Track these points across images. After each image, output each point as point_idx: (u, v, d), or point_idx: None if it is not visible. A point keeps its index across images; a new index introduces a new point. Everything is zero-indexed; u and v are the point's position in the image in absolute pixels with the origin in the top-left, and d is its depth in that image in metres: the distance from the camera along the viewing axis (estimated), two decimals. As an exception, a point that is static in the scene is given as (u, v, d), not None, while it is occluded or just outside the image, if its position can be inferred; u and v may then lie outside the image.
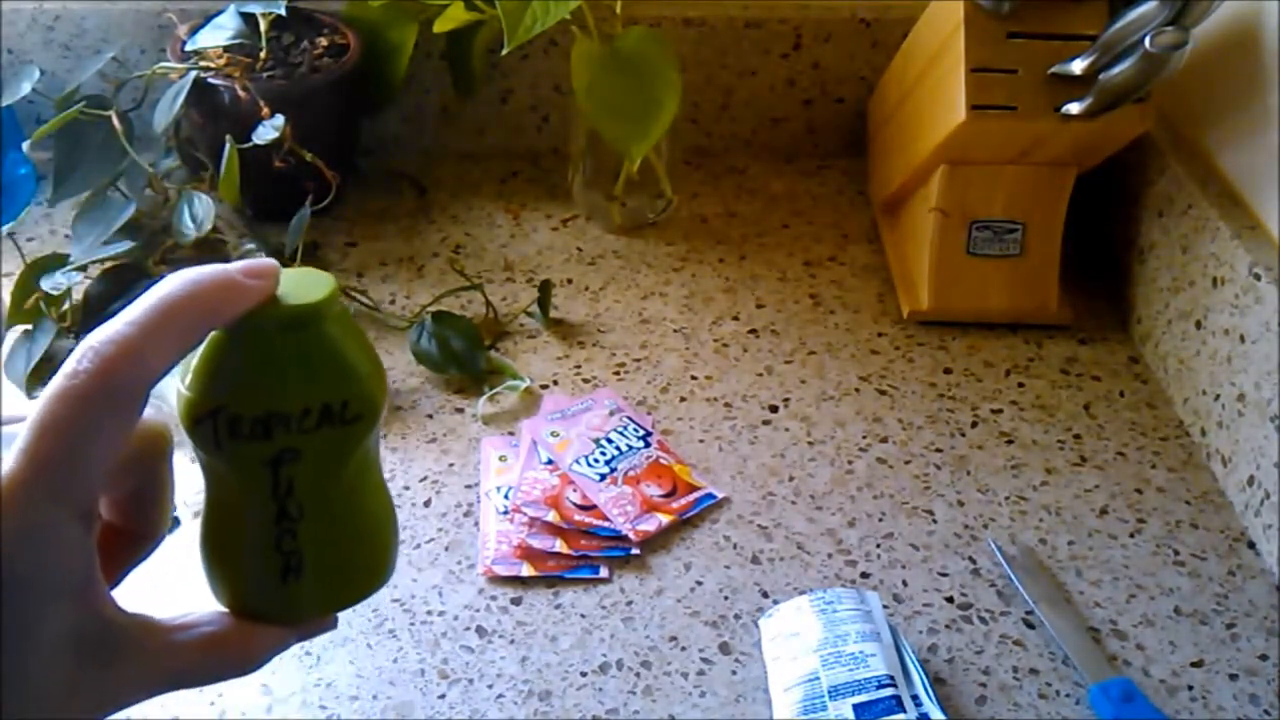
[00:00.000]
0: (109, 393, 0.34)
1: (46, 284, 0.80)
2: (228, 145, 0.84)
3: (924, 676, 0.61)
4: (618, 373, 0.84)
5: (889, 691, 0.60)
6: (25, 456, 0.33)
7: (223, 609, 0.40)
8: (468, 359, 0.82)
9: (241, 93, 0.86)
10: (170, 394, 0.38)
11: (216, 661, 0.39)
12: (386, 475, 0.74)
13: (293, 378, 0.37)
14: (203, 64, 0.88)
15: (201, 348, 0.37)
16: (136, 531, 0.40)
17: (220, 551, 0.40)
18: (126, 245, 0.83)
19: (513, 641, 0.65)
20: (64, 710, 0.35)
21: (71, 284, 0.81)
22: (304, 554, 0.39)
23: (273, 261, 0.37)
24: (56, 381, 0.34)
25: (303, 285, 0.37)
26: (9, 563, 0.32)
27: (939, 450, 0.79)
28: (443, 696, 0.62)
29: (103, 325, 0.35)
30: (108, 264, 0.84)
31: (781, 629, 0.64)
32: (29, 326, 0.81)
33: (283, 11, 0.89)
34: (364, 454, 0.40)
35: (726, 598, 0.68)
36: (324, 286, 0.37)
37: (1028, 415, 0.82)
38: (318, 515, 0.39)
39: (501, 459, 0.76)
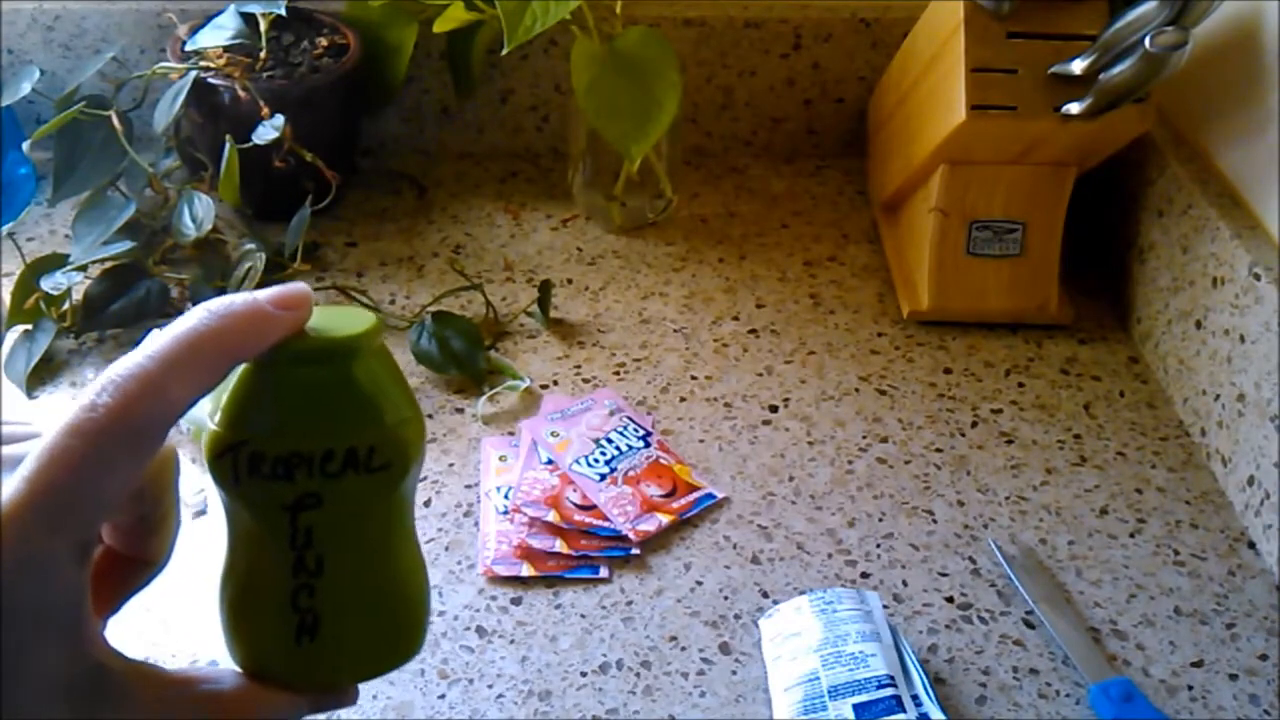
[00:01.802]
0: (127, 431, 0.33)
1: (46, 284, 0.80)
2: (228, 145, 0.84)
3: (924, 676, 0.61)
4: (618, 373, 0.84)
5: (889, 691, 0.60)
6: (29, 485, 0.32)
7: (235, 668, 0.38)
8: (468, 359, 0.82)
9: (241, 93, 0.86)
10: (200, 420, 0.37)
11: None
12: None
13: (317, 416, 0.35)
14: (203, 64, 0.88)
15: (232, 378, 0.35)
16: (138, 558, 0.39)
17: (235, 605, 0.38)
18: (126, 245, 0.83)
19: (513, 641, 0.65)
20: None
21: (71, 284, 0.81)
22: (321, 614, 0.37)
23: (303, 288, 0.36)
24: (73, 413, 0.32)
25: (341, 320, 0.36)
26: (5, 591, 0.31)
27: (939, 450, 0.79)
28: (443, 696, 0.62)
29: (125, 356, 0.33)
30: (108, 264, 0.84)
31: (781, 629, 0.64)
32: (29, 326, 0.81)
33: (283, 11, 0.89)
34: (392, 508, 0.37)
35: (726, 598, 0.68)
36: (362, 323, 0.36)
37: (1028, 415, 0.82)
38: (338, 571, 0.36)
39: (501, 459, 0.76)
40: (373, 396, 0.36)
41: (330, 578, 0.36)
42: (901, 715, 0.59)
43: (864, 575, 0.70)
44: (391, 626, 0.39)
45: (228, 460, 0.35)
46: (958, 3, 0.81)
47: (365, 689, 0.62)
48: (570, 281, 0.92)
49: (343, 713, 0.61)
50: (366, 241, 0.95)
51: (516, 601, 0.68)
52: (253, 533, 0.36)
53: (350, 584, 0.37)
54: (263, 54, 0.90)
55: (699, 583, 0.69)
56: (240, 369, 0.35)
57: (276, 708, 0.37)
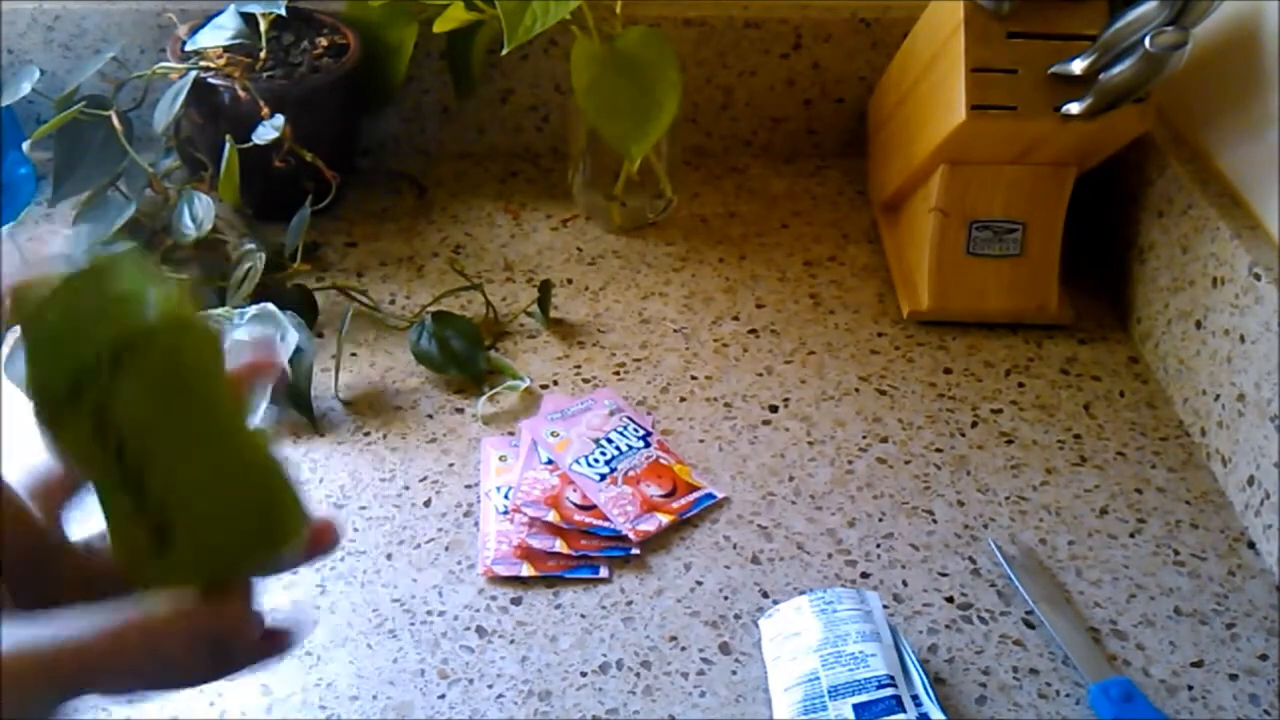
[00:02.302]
0: None
1: (46, 284, 0.80)
2: (228, 145, 0.84)
3: (924, 676, 0.61)
4: (618, 373, 0.84)
5: (889, 691, 0.60)
6: None
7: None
8: (468, 359, 0.82)
9: (241, 93, 0.86)
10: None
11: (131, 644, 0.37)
12: (387, 475, 0.75)
13: (76, 333, 0.37)
14: (203, 64, 0.88)
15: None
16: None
17: (115, 557, 0.39)
18: (126, 245, 0.83)
19: (513, 641, 0.65)
20: None
21: (71, 284, 0.81)
22: (165, 512, 0.37)
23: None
24: None
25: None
26: None
27: (939, 450, 0.79)
28: (443, 696, 0.62)
29: None
30: (108, 264, 0.84)
31: (781, 629, 0.64)
32: (29, 326, 0.81)
33: (283, 11, 0.89)
34: (189, 387, 0.38)
35: (726, 598, 0.68)
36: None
37: (1028, 415, 0.82)
38: (160, 466, 0.37)
39: (501, 459, 0.76)
40: (117, 301, 0.37)
41: (155, 474, 0.37)
42: (901, 715, 0.59)
43: (864, 575, 0.70)
44: (243, 511, 0.39)
45: (40, 417, 0.37)
46: (958, 3, 0.81)
47: (365, 688, 0.62)
48: (570, 281, 0.92)
49: (344, 713, 0.61)
50: (366, 241, 0.95)
51: (516, 601, 0.68)
52: (88, 472, 0.38)
53: (178, 473, 0.37)
54: (263, 54, 0.90)
55: (699, 583, 0.69)
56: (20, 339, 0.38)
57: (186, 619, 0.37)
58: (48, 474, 0.41)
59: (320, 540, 0.40)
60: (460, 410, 0.80)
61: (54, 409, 0.37)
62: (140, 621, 0.37)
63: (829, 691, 0.60)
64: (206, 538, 0.38)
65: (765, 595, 0.69)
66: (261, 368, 0.42)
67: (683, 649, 0.66)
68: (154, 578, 0.38)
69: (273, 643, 0.40)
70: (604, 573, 0.69)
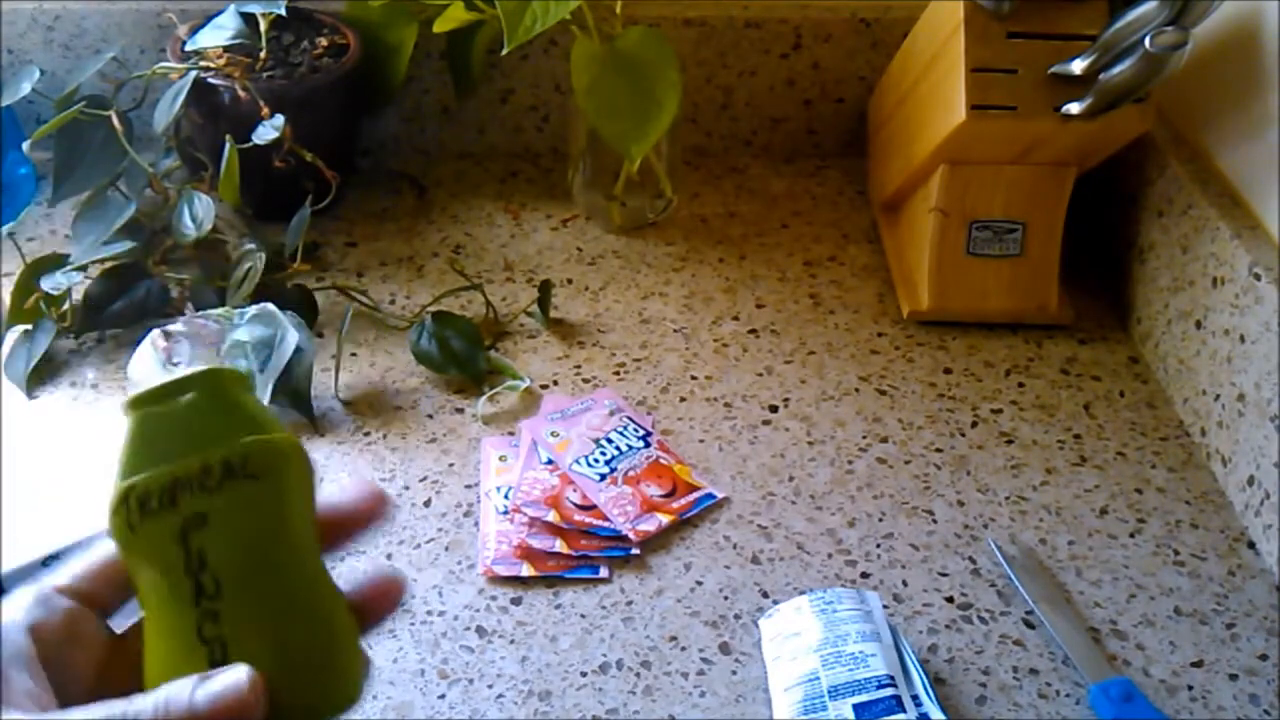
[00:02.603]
0: None
1: (46, 284, 0.80)
2: (228, 145, 0.84)
3: (924, 676, 0.61)
4: (618, 373, 0.84)
5: (889, 691, 0.60)
6: None
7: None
8: (468, 359, 0.82)
9: (241, 93, 0.86)
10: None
11: None
12: (387, 475, 0.75)
13: (187, 439, 0.37)
14: (203, 64, 0.88)
15: (118, 444, 0.38)
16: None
17: (150, 663, 0.37)
18: (126, 245, 0.83)
19: (513, 641, 0.65)
20: None
21: (71, 284, 0.81)
22: (228, 642, 0.36)
23: None
24: None
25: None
26: None
27: (939, 450, 0.79)
28: (443, 696, 0.62)
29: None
30: (108, 264, 0.84)
31: (781, 629, 0.64)
32: (29, 326, 0.81)
33: (283, 11, 0.89)
34: (283, 525, 0.38)
35: (726, 598, 0.68)
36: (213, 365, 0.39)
37: (1028, 415, 0.82)
38: (238, 593, 0.36)
39: (501, 459, 0.76)
40: (238, 413, 0.38)
41: (231, 599, 0.36)
42: (901, 715, 0.59)
43: (864, 575, 0.70)
44: (308, 660, 0.37)
45: (121, 511, 0.36)
46: (958, 3, 0.81)
47: (366, 689, 0.62)
48: (570, 281, 0.92)
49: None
50: (366, 241, 0.95)
51: (516, 601, 0.68)
52: (154, 580, 0.37)
53: (254, 606, 0.37)
54: (263, 54, 0.90)
55: (699, 583, 0.69)
56: (125, 425, 0.38)
57: None
58: (96, 566, 0.40)
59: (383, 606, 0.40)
60: (460, 410, 0.80)
61: (143, 502, 0.36)
62: None
63: (829, 691, 0.60)
64: (266, 683, 0.36)
65: (765, 595, 0.69)
66: (369, 513, 0.41)
67: (683, 649, 0.66)
68: None
69: None
70: (604, 573, 0.69)
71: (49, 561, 0.66)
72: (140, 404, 0.38)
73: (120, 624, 0.41)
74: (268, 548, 0.37)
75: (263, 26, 0.89)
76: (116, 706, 0.35)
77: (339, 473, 0.75)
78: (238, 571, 0.36)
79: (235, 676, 0.35)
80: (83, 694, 0.38)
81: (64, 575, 0.40)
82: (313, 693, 0.37)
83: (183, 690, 0.35)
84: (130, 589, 0.39)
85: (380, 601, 0.41)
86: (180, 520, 0.36)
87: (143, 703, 0.35)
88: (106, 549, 0.40)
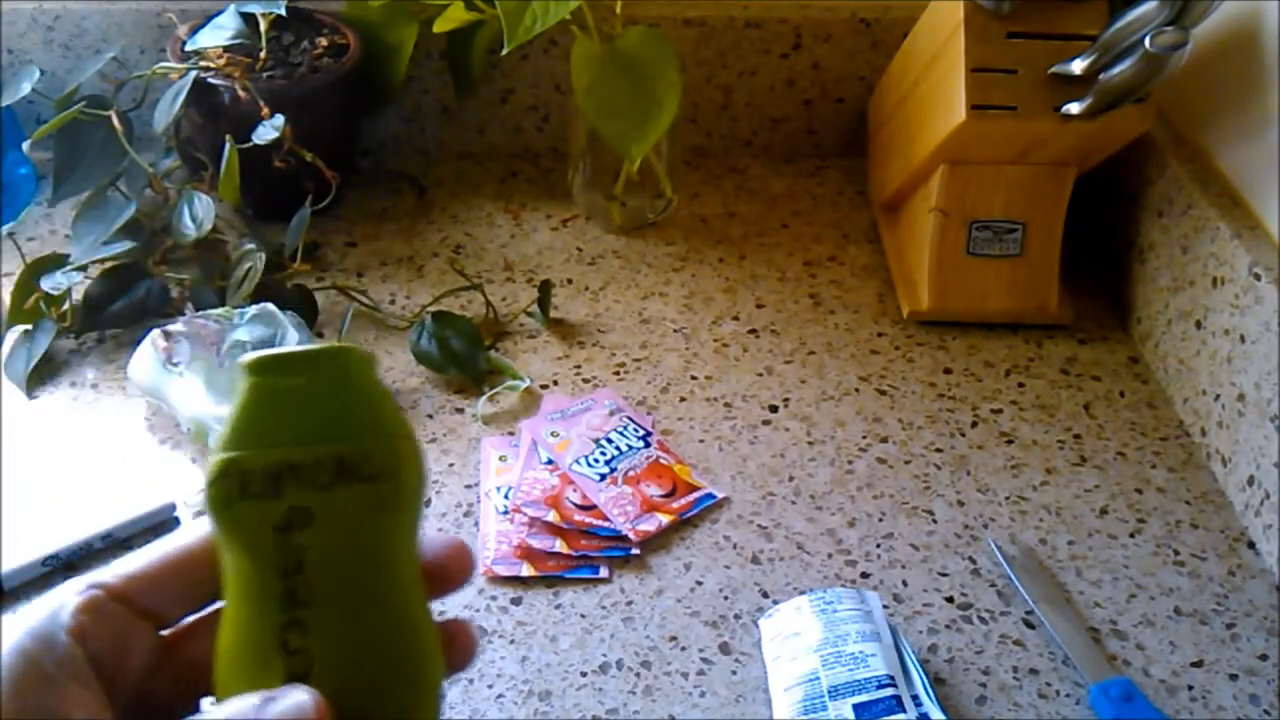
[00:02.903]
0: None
1: (46, 284, 0.80)
2: (228, 145, 0.84)
3: (924, 676, 0.61)
4: (618, 373, 0.84)
5: (889, 691, 0.60)
6: None
7: None
8: (468, 359, 0.82)
9: (241, 93, 0.86)
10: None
11: None
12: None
13: (304, 424, 0.33)
14: (203, 64, 0.88)
15: (230, 406, 0.34)
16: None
17: (223, 660, 0.34)
18: (126, 245, 0.83)
19: (513, 641, 0.65)
20: None
21: (71, 284, 0.81)
22: (313, 657, 0.33)
23: None
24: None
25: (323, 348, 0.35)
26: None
27: (939, 450, 0.79)
28: (442, 697, 0.62)
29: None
30: (108, 264, 0.84)
31: (781, 629, 0.64)
32: (29, 326, 0.81)
33: (283, 11, 0.89)
34: (390, 537, 0.34)
35: (726, 598, 0.68)
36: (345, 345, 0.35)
37: (1028, 415, 0.82)
38: (332, 605, 0.33)
39: (501, 459, 0.76)
40: (362, 405, 0.34)
41: (323, 612, 0.33)
42: (901, 715, 0.59)
43: (864, 575, 0.70)
44: (394, 685, 0.34)
45: (219, 486, 0.33)
46: (958, 3, 0.81)
47: None
48: (570, 281, 0.92)
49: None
50: (366, 241, 0.95)
51: (516, 601, 0.68)
52: (242, 571, 0.34)
53: (345, 624, 0.33)
54: (263, 54, 0.90)
55: (699, 583, 0.69)
56: (238, 390, 0.34)
57: None
58: (152, 570, 0.36)
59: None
60: (460, 410, 0.80)
61: (244, 483, 0.33)
62: None
63: (829, 691, 0.60)
64: (346, 701, 0.33)
65: (765, 595, 0.69)
66: (458, 573, 0.37)
67: (683, 649, 0.66)
68: None
69: None
70: (604, 573, 0.69)
71: (49, 561, 0.66)
72: (259, 370, 0.34)
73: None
74: (371, 563, 0.34)
75: (263, 26, 0.89)
76: None
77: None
78: (336, 583, 0.33)
79: (301, 702, 0.32)
80: (127, 705, 0.36)
81: (114, 575, 0.36)
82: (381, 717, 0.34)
83: (246, 713, 0.32)
84: (188, 601, 0.37)
85: (451, 572, 0.38)
86: (283, 512, 0.33)
87: None
88: (163, 550, 0.36)
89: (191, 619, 0.37)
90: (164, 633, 0.37)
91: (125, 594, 0.35)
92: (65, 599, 0.35)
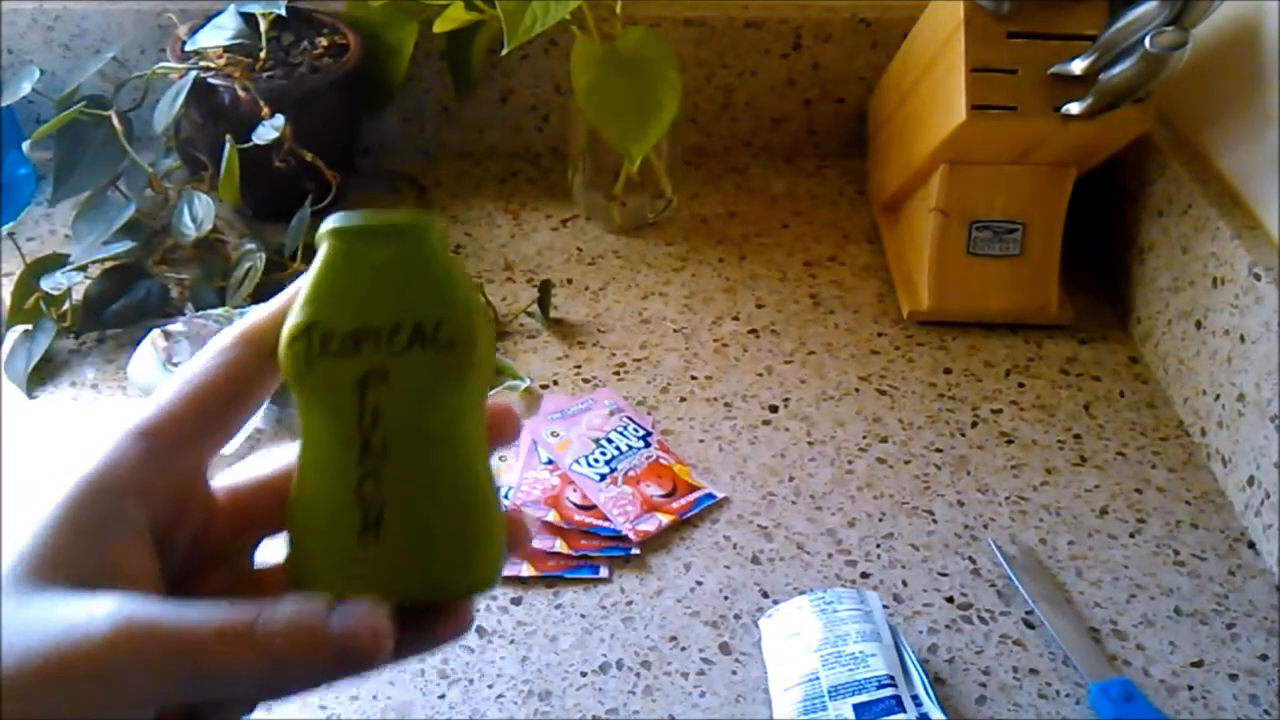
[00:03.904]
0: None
1: (46, 284, 0.80)
2: (228, 145, 0.84)
3: (924, 676, 0.61)
4: (618, 373, 0.84)
5: (889, 691, 0.60)
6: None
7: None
8: (468, 359, 0.82)
9: (241, 93, 0.86)
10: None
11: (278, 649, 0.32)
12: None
13: (384, 290, 0.35)
14: (203, 64, 0.88)
15: (309, 270, 0.36)
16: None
17: (298, 511, 0.36)
18: (126, 245, 0.83)
19: (513, 641, 0.65)
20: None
21: (71, 284, 0.81)
22: (386, 504, 0.35)
23: None
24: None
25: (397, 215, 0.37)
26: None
27: (939, 450, 0.79)
28: (443, 696, 0.62)
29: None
30: (108, 264, 0.84)
31: (781, 629, 0.64)
32: (29, 326, 0.81)
33: (283, 11, 0.89)
34: (460, 400, 0.36)
35: (726, 598, 0.68)
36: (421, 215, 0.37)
37: (1028, 415, 0.82)
38: (404, 458, 0.35)
39: (501, 459, 0.76)
40: (438, 275, 0.36)
41: (396, 464, 0.35)
42: (901, 715, 0.59)
43: (864, 575, 0.70)
44: (460, 539, 0.36)
45: (300, 343, 0.35)
46: (958, 3, 0.81)
47: (365, 688, 0.62)
48: (570, 281, 0.92)
49: (343, 713, 0.61)
50: (366, 241, 0.95)
51: (516, 601, 0.68)
52: (320, 425, 0.35)
53: (417, 475, 0.35)
54: (263, 54, 0.90)
55: (699, 583, 0.69)
56: (318, 257, 0.36)
57: (351, 626, 0.33)
58: (199, 397, 0.36)
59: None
60: (460, 410, 0.80)
61: (325, 341, 0.35)
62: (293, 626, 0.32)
63: (829, 691, 0.60)
64: (417, 548, 0.35)
65: (765, 595, 0.69)
66: (508, 425, 0.39)
67: (683, 649, 0.66)
68: (349, 571, 0.35)
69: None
70: (604, 573, 0.69)
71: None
72: (340, 237, 0.36)
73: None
74: (443, 424, 0.36)
75: (263, 26, 0.89)
76: (248, 610, 0.32)
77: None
78: (408, 438, 0.35)
79: (376, 619, 0.33)
80: (174, 569, 0.36)
81: (154, 416, 0.36)
82: (454, 571, 0.36)
83: (317, 614, 0.33)
84: (220, 433, 0.37)
85: (503, 430, 0.39)
86: (361, 369, 0.35)
87: (273, 614, 0.32)
88: (185, 385, 0.36)
89: (252, 476, 0.38)
90: (219, 486, 0.38)
91: (168, 434, 0.36)
92: (122, 450, 0.35)
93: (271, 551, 0.39)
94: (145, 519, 0.34)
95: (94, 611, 0.31)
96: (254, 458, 0.40)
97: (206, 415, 0.36)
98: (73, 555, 0.33)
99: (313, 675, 0.33)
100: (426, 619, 0.36)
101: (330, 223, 0.36)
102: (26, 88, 0.89)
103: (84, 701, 0.31)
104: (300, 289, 0.36)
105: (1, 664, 0.30)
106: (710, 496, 0.74)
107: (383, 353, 0.35)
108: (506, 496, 0.73)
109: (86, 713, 0.31)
